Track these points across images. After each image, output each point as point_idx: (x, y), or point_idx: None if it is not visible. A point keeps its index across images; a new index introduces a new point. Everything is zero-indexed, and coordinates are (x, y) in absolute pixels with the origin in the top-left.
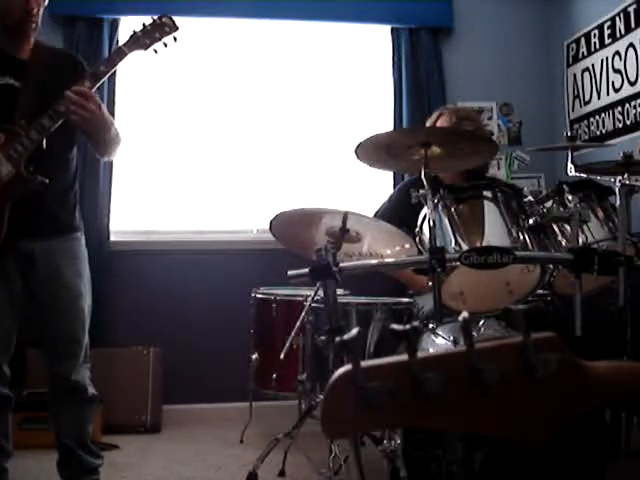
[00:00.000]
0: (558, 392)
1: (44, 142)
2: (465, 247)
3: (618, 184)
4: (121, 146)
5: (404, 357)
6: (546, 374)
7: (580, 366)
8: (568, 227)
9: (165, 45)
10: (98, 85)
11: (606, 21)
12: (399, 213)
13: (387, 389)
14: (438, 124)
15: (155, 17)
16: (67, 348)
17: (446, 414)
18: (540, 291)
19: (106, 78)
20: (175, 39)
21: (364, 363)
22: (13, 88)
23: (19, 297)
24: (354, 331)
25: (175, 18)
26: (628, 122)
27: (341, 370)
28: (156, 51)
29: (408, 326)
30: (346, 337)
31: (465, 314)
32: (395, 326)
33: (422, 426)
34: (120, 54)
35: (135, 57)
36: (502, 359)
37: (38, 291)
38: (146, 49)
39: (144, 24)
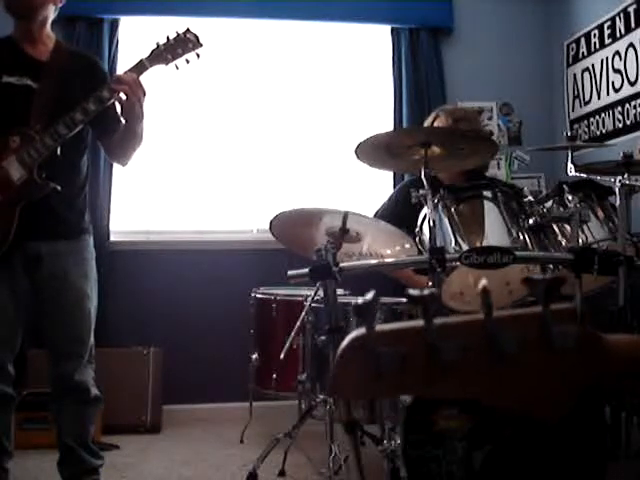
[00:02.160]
0: (576, 364)
1: (59, 149)
2: (465, 247)
3: (618, 184)
4: (139, 149)
5: (419, 322)
6: (564, 346)
7: (600, 339)
8: (568, 227)
9: (187, 62)
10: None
11: (606, 21)
12: (399, 213)
13: (401, 355)
14: (435, 125)
15: (179, 31)
16: (71, 348)
17: (461, 383)
18: None
19: None
20: (198, 56)
21: (378, 327)
22: (30, 89)
23: (25, 298)
24: (370, 294)
25: (174, 18)
26: (628, 122)
27: (354, 333)
28: (177, 67)
29: (425, 291)
30: (361, 300)
31: (484, 282)
32: (412, 291)
33: (435, 395)
34: (141, 68)
35: (156, 72)
36: (520, 329)
37: (44, 291)
38: (167, 64)
39: (168, 37)
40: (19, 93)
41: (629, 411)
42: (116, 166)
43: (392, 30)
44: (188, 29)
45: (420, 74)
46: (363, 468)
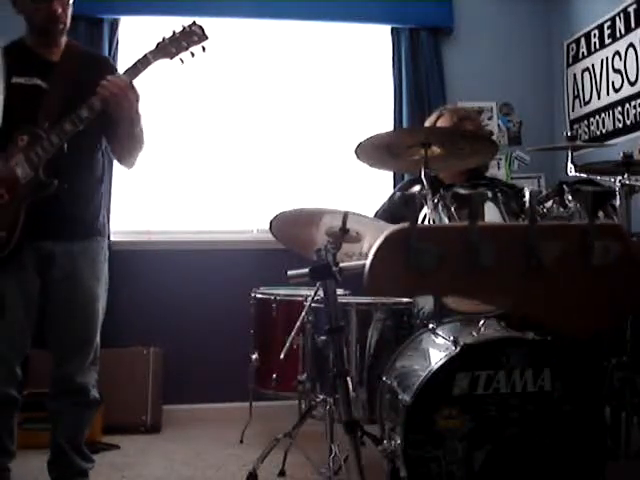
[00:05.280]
0: (615, 280)
1: (65, 146)
2: None
3: (618, 184)
4: (142, 151)
5: (462, 223)
6: (605, 261)
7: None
8: None
9: (192, 55)
10: None
11: (606, 21)
12: (399, 213)
13: (439, 253)
14: (438, 124)
15: (185, 25)
16: (78, 349)
17: (496, 288)
18: None
19: None
20: (204, 49)
21: (420, 224)
22: (40, 89)
23: (35, 299)
24: (416, 187)
25: (174, 18)
26: (628, 122)
27: (395, 227)
28: (182, 60)
29: (474, 190)
30: (409, 192)
31: (531, 188)
32: (459, 189)
33: (470, 297)
34: (145, 62)
35: (161, 66)
36: (563, 239)
37: (55, 291)
38: (172, 58)
39: (173, 31)
40: (28, 93)
41: (629, 411)
42: (116, 166)
43: (392, 30)
44: (194, 22)
45: (420, 74)
46: (363, 468)
